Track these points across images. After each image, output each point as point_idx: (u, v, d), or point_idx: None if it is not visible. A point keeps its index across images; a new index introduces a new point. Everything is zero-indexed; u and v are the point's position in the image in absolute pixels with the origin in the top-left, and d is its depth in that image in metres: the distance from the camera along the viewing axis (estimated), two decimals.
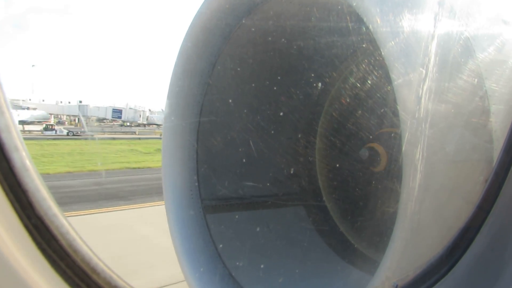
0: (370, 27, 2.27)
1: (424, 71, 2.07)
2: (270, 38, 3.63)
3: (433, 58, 2.09)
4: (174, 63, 3.61)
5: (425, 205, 2.10)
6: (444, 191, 2.14)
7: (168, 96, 3.68)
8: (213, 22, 3.41)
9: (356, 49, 3.55)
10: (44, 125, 67.74)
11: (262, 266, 3.66)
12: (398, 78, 2.11)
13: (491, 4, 2.58)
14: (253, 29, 3.49)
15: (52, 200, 1.17)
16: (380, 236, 2.82)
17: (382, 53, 2.21)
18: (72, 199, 19.02)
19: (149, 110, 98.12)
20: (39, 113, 73.58)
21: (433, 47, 2.11)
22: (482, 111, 2.18)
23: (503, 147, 1.94)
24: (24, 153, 1.15)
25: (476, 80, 2.17)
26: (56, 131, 63.80)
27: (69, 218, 1.20)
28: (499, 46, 2.33)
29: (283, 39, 3.64)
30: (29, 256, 1.11)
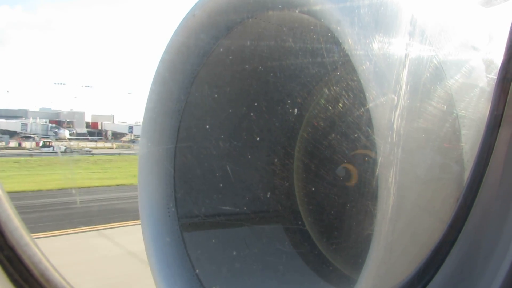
0: (346, 49, 2.32)
1: (397, 95, 2.12)
2: (247, 59, 3.65)
3: (406, 82, 2.15)
4: (149, 88, 3.60)
5: (399, 225, 2.14)
6: (416, 212, 2.19)
7: (143, 121, 3.68)
8: (190, 43, 3.40)
9: (333, 71, 3.61)
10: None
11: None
12: (373, 100, 2.16)
13: (461, 30, 2.67)
14: (230, 50, 3.50)
15: (25, 229, 1.16)
16: (357, 255, 2.85)
17: (358, 76, 2.26)
18: None
19: None
20: None
21: (405, 72, 2.18)
22: (453, 134, 2.24)
23: (472, 169, 1.99)
24: None
25: (447, 104, 2.24)
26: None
27: None
28: (469, 71, 2.41)
29: (260, 60, 3.66)
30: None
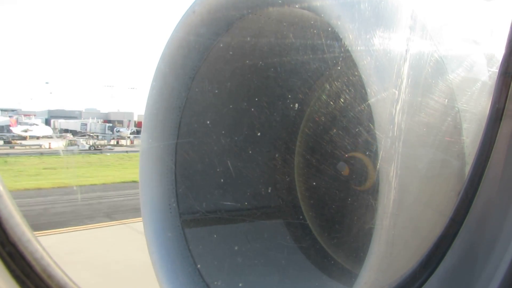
0: (347, 44, 2.32)
1: (398, 90, 2.12)
2: (247, 55, 3.65)
3: (407, 77, 2.14)
4: (150, 84, 3.61)
5: (400, 219, 2.14)
6: (418, 206, 2.19)
7: (145, 118, 3.69)
8: (190, 39, 3.40)
9: (333, 66, 3.60)
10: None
11: (241, 284, 3.65)
12: (374, 95, 2.16)
13: (462, 24, 2.66)
14: (230, 46, 3.50)
15: (26, 225, 1.16)
16: (358, 249, 2.86)
17: (359, 71, 2.26)
18: None
19: None
20: None
21: (406, 66, 2.17)
22: (454, 128, 2.24)
23: (474, 163, 1.99)
24: None
25: (448, 98, 2.24)
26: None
27: None
28: (470, 65, 2.40)
29: (261, 56, 3.66)
30: (3, 284, 1.10)
